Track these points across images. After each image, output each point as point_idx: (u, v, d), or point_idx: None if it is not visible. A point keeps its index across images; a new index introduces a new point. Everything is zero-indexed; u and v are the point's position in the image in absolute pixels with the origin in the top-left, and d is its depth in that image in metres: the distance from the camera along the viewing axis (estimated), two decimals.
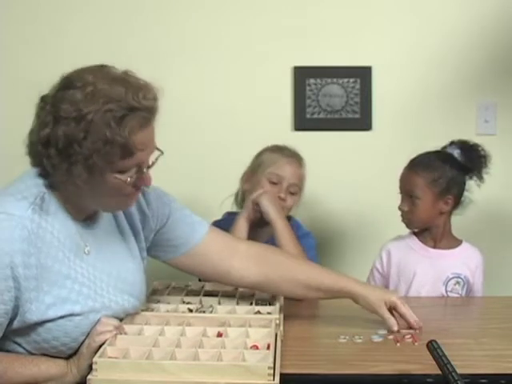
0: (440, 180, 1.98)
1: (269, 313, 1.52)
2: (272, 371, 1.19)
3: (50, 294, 1.27)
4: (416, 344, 1.48)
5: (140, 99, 1.26)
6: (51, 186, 1.32)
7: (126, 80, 1.28)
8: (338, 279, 1.62)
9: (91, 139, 1.21)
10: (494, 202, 2.61)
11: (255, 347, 1.32)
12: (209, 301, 1.60)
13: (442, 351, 1.24)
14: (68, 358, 1.31)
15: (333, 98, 2.61)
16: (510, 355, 1.42)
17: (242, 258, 1.59)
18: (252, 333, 1.37)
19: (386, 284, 2.07)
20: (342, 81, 2.60)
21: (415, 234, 2.08)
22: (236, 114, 2.60)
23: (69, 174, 1.25)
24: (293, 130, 2.62)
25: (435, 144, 2.05)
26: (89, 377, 1.20)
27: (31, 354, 1.31)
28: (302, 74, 2.60)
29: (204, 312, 1.53)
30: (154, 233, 1.53)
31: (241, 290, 1.69)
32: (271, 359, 1.23)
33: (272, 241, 2.00)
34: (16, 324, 1.27)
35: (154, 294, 1.67)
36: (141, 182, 1.32)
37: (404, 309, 1.58)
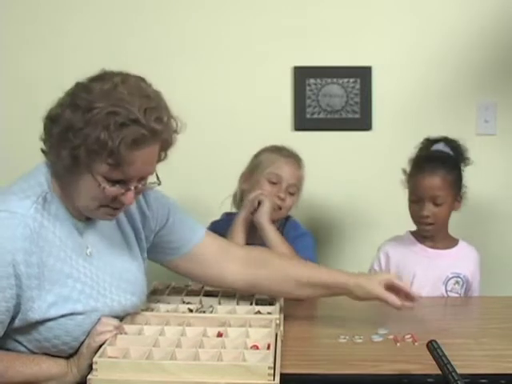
0: (457, 181, 1.99)
1: (269, 313, 1.52)
2: (272, 371, 1.19)
3: (51, 292, 1.27)
4: (416, 344, 1.48)
5: (149, 118, 1.25)
6: (54, 178, 1.32)
7: (149, 98, 1.28)
8: (331, 274, 1.62)
9: (86, 132, 1.22)
10: (494, 201, 2.61)
11: (255, 347, 1.32)
12: (209, 301, 1.60)
13: (442, 351, 1.24)
14: (69, 357, 1.31)
15: (333, 98, 2.61)
16: (509, 355, 1.42)
17: (235, 262, 1.59)
18: (252, 333, 1.37)
19: None
20: (342, 81, 2.60)
21: (413, 233, 2.07)
22: (236, 114, 2.60)
23: (57, 156, 1.26)
24: (293, 130, 2.62)
25: (435, 144, 2.05)
26: (89, 376, 1.20)
27: (32, 352, 1.31)
28: (301, 74, 2.60)
29: (204, 312, 1.53)
30: (153, 234, 1.53)
31: None
32: (271, 359, 1.23)
33: None
34: (18, 322, 1.27)
35: (154, 294, 1.67)
36: (122, 197, 1.30)
37: (401, 283, 1.59)
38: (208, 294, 1.66)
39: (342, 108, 2.61)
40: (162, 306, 1.56)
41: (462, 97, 2.60)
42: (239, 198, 2.10)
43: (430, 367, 1.26)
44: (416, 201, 1.97)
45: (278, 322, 1.46)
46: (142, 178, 1.32)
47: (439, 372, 1.21)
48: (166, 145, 1.34)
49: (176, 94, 2.69)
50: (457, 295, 2.01)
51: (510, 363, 1.38)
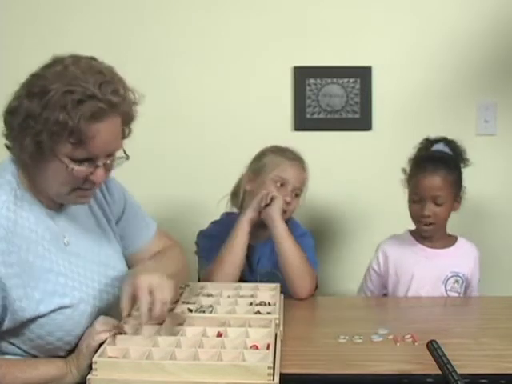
0: (457, 181, 1.99)
1: (269, 313, 1.52)
2: (272, 371, 1.19)
3: (37, 289, 1.27)
4: (416, 344, 1.48)
5: (105, 91, 1.24)
6: (22, 174, 1.32)
7: (103, 73, 1.27)
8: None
9: (45, 116, 1.22)
10: (494, 201, 2.61)
11: (255, 347, 1.32)
12: (209, 301, 1.60)
13: (442, 351, 1.24)
14: (67, 355, 1.31)
15: (333, 98, 2.61)
16: (509, 355, 1.42)
17: None
18: (252, 333, 1.37)
19: (385, 283, 2.07)
20: (342, 81, 2.60)
21: (412, 233, 2.08)
22: (236, 114, 2.60)
23: (21, 147, 1.26)
24: (293, 130, 2.62)
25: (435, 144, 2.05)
26: (89, 376, 1.20)
27: (28, 353, 1.31)
28: (302, 74, 2.60)
29: (204, 312, 1.53)
30: (115, 222, 1.53)
31: (240, 290, 1.70)
32: (271, 359, 1.23)
33: (269, 243, 2.01)
34: (8, 324, 1.27)
35: None
36: (91, 176, 1.29)
37: (141, 295, 1.31)
38: (208, 294, 1.66)
39: (342, 108, 2.61)
40: None
41: (462, 97, 2.60)
42: (242, 199, 2.09)
43: (430, 367, 1.26)
44: (417, 200, 1.97)
45: (277, 321, 1.46)
46: (109, 155, 1.31)
47: (439, 372, 1.21)
48: (127, 118, 1.34)
49: (176, 94, 2.71)
50: (456, 294, 2.01)
51: (509, 363, 1.38)
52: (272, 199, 1.97)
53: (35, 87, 1.24)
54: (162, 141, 2.58)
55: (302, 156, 2.08)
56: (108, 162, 1.31)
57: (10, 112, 1.27)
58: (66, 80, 1.22)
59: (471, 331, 1.62)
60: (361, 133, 2.62)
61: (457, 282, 2.01)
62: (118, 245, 1.53)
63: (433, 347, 1.25)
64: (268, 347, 1.30)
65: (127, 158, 1.36)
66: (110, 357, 1.25)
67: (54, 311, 1.29)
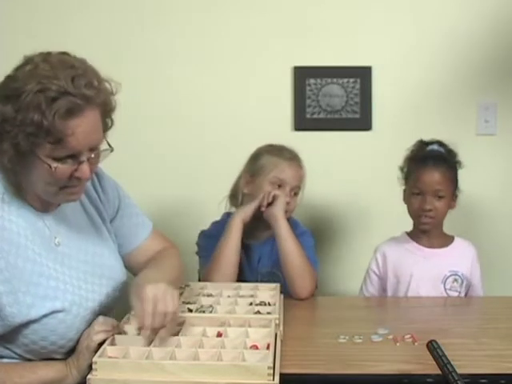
0: (455, 178, 2.02)
1: (268, 313, 1.52)
2: (272, 371, 1.19)
3: (28, 294, 1.26)
4: (416, 344, 1.48)
5: (79, 86, 1.21)
6: (8, 180, 1.30)
7: (75, 67, 1.24)
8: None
9: (20, 118, 1.19)
10: (494, 201, 2.61)
11: (255, 347, 1.32)
12: (209, 301, 1.60)
13: (442, 351, 1.24)
14: (65, 358, 1.31)
15: (333, 97, 2.61)
16: (509, 355, 1.42)
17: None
18: (252, 333, 1.37)
19: (384, 286, 2.07)
20: (342, 81, 2.60)
21: (409, 234, 2.08)
22: (236, 114, 2.60)
23: (1, 152, 1.23)
24: (293, 130, 2.62)
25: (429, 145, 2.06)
26: (89, 376, 1.20)
27: (24, 357, 1.31)
28: (302, 74, 2.60)
29: (204, 312, 1.53)
30: (109, 220, 1.52)
31: (240, 290, 1.70)
32: (271, 359, 1.23)
33: (269, 242, 2.01)
34: (0, 330, 1.26)
35: None
36: (77, 173, 1.26)
37: (146, 307, 1.30)
38: (208, 294, 1.66)
39: (342, 108, 2.61)
40: None
41: (462, 97, 2.60)
42: (241, 202, 2.08)
43: (430, 367, 1.26)
44: (417, 195, 2.00)
45: (277, 321, 1.46)
46: (92, 149, 1.28)
47: (439, 372, 1.21)
48: (106, 109, 1.31)
49: (176, 94, 2.71)
50: (457, 293, 2.01)
51: (509, 363, 1.38)
52: (274, 198, 1.97)
53: (8, 90, 1.22)
54: (162, 141, 2.58)
55: (297, 152, 2.07)
56: (92, 156, 1.27)
57: None
58: (38, 79, 1.19)
59: (471, 331, 1.61)
60: (361, 133, 2.62)
61: (456, 281, 2.01)
62: (114, 244, 1.52)
63: (433, 347, 1.25)
64: (268, 347, 1.30)
65: (111, 149, 1.32)
66: (109, 357, 1.25)
67: (45, 316, 1.27)
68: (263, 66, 2.59)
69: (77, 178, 1.28)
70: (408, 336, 1.52)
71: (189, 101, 2.60)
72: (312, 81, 2.60)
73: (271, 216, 1.95)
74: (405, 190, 2.06)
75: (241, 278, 1.94)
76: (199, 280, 2.01)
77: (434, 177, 1.98)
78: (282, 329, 1.49)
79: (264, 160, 2.04)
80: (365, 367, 1.36)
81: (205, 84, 2.59)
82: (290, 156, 2.05)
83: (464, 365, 1.30)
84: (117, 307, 1.47)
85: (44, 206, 1.35)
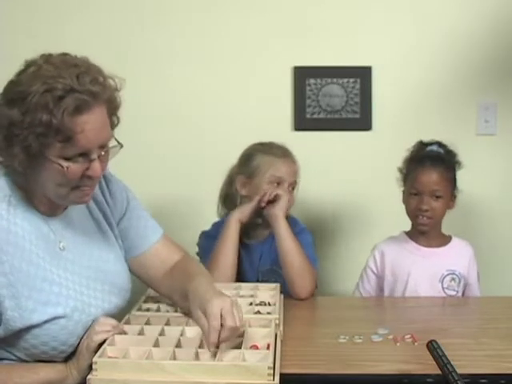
0: (453, 179, 2.02)
1: (269, 313, 1.52)
2: (272, 371, 1.19)
3: (30, 299, 1.25)
4: (416, 344, 1.48)
5: (84, 82, 1.21)
6: (16, 183, 1.30)
7: (78, 65, 1.24)
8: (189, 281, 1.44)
9: (28, 120, 1.19)
10: (494, 201, 2.61)
11: (255, 347, 1.32)
12: None
13: (441, 351, 1.24)
14: (66, 361, 1.31)
15: (333, 97, 2.61)
16: (509, 355, 1.42)
17: (167, 272, 1.53)
18: (252, 333, 1.37)
19: (381, 285, 2.07)
20: (342, 81, 2.60)
21: (407, 233, 2.09)
22: (236, 114, 2.60)
23: (11, 156, 1.23)
24: (293, 130, 2.62)
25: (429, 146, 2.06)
26: (89, 376, 1.20)
27: (24, 360, 1.30)
28: (301, 74, 2.60)
29: None
30: (116, 224, 1.50)
31: (240, 290, 1.70)
32: (271, 359, 1.23)
33: (269, 240, 2.00)
34: (1, 333, 1.25)
35: (153, 295, 1.66)
36: (88, 172, 1.26)
37: (213, 321, 1.28)
38: None
39: (342, 108, 2.61)
40: (162, 306, 1.56)
41: (462, 97, 2.60)
42: (240, 204, 2.06)
43: (430, 367, 1.26)
44: (415, 195, 2.00)
45: (277, 322, 1.46)
46: (102, 146, 1.27)
47: (439, 372, 1.21)
48: (112, 106, 1.31)
49: (176, 94, 2.70)
50: (454, 292, 2.01)
51: (509, 363, 1.38)
52: (276, 197, 1.96)
53: (12, 94, 1.22)
54: (161, 141, 2.58)
55: (288, 147, 2.06)
56: (102, 153, 1.27)
57: None
58: (43, 79, 1.19)
59: (471, 331, 1.62)
60: (361, 133, 2.62)
61: (453, 280, 2.02)
62: (121, 250, 1.50)
63: (433, 347, 1.25)
64: (268, 347, 1.30)
65: (121, 146, 1.32)
66: (109, 357, 1.25)
67: (47, 321, 1.27)
68: (263, 66, 2.59)
69: (88, 177, 1.27)
70: (408, 336, 1.52)
71: (189, 101, 2.59)
72: (312, 81, 2.60)
73: (271, 215, 1.95)
74: (403, 191, 2.06)
75: (243, 278, 1.95)
76: None
77: (431, 177, 1.98)
78: (281, 329, 1.49)
79: (258, 160, 2.03)
80: (365, 367, 1.37)
81: (205, 84, 2.59)
82: (282, 153, 2.04)
83: (464, 365, 1.30)
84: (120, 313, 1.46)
85: (51, 210, 1.35)
